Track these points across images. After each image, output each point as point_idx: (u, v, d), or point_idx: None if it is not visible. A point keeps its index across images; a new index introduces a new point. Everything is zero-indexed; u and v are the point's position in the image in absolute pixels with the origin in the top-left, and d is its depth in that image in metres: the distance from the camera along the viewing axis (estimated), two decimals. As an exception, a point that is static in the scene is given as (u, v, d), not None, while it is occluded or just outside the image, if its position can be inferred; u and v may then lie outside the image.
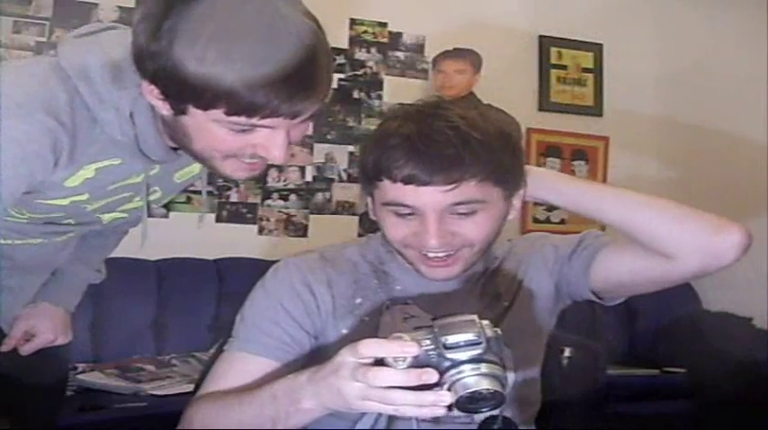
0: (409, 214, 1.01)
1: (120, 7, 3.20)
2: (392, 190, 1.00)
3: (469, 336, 0.80)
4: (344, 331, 1.08)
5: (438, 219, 0.99)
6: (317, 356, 1.08)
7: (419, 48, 3.72)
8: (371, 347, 0.81)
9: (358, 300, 1.10)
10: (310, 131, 3.51)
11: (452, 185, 0.97)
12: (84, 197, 1.12)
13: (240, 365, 1.05)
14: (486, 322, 0.82)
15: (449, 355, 0.79)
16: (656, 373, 3.07)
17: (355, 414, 1.00)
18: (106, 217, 1.22)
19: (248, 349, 1.05)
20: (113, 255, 3.18)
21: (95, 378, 2.56)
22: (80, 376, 2.57)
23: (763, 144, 3.44)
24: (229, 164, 0.98)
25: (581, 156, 4.02)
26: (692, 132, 3.91)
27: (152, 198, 1.24)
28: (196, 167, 1.25)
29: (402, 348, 0.79)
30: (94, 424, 2.32)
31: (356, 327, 1.08)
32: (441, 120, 0.98)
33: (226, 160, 0.97)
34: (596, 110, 4.05)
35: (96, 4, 3.17)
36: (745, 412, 2.77)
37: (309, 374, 0.89)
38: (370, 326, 1.08)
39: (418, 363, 0.79)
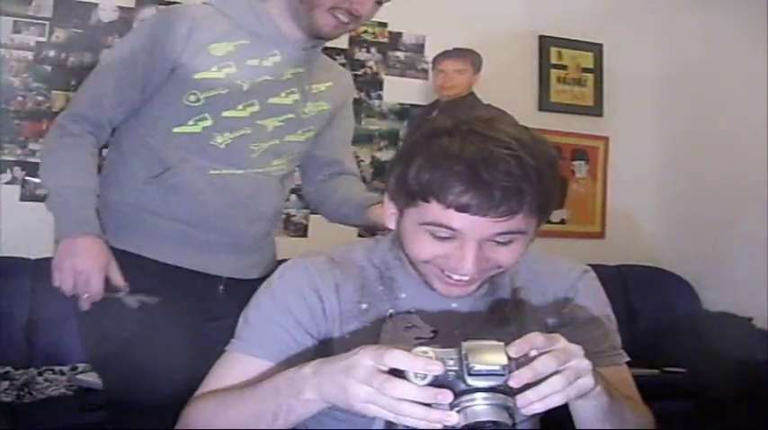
0: (447, 237, 0.98)
1: (120, 7, 3.21)
2: (439, 213, 0.95)
3: (495, 367, 0.78)
4: (348, 336, 1.07)
5: (478, 246, 0.97)
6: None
7: (419, 48, 3.72)
8: (397, 358, 0.79)
9: (364, 306, 1.08)
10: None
11: (505, 218, 0.94)
12: (233, 69, 1.44)
13: (242, 368, 1.04)
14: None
15: (469, 381, 0.78)
16: (656, 373, 3.08)
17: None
18: (269, 124, 1.49)
19: (251, 352, 1.04)
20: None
21: (95, 378, 2.55)
22: (80, 376, 2.57)
23: (763, 144, 3.44)
24: None
25: (581, 156, 4.02)
26: (691, 132, 3.91)
27: (294, 98, 1.52)
28: (323, 86, 1.58)
29: (427, 366, 0.78)
30: (94, 424, 2.31)
31: (359, 333, 1.07)
32: (499, 145, 0.94)
33: None
34: (596, 110, 4.05)
35: (96, 5, 3.17)
36: (745, 412, 2.77)
37: (315, 366, 0.88)
38: (371, 333, 1.07)
39: (436, 381, 0.78)
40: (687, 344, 3.34)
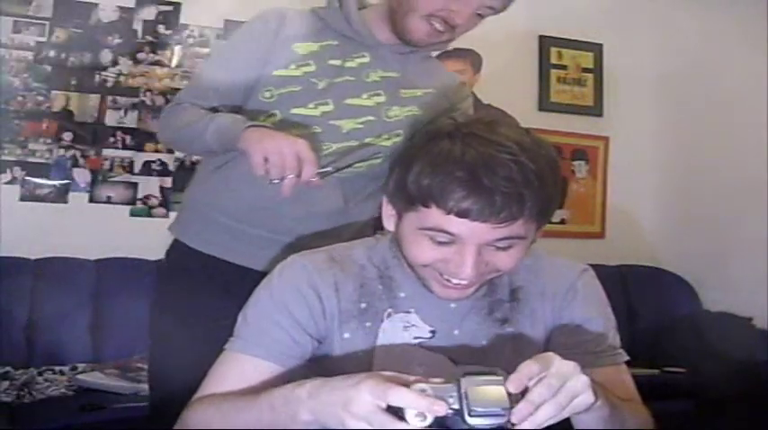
0: (447, 242, 0.98)
1: (120, 7, 3.21)
2: (438, 218, 0.95)
3: (496, 409, 0.78)
4: (347, 335, 1.07)
5: (477, 251, 0.97)
6: (320, 359, 1.07)
7: (419, 48, 3.72)
8: (399, 396, 0.78)
9: (363, 305, 1.08)
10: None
11: (506, 224, 0.94)
12: (312, 68, 1.43)
13: (241, 367, 1.04)
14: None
15: (470, 421, 0.77)
16: (656, 373, 3.07)
17: None
18: (344, 125, 1.44)
19: (250, 351, 1.04)
20: (113, 254, 3.18)
21: (95, 378, 2.56)
22: (80, 376, 2.57)
23: (763, 143, 3.44)
24: None
25: (581, 156, 4.02)
26: (691, 132, 3.91)
27: (377, 101, 1.46)
28: (420, 91, 1.50)
29: (430, 406, 0.77)
30: (94, 424, 2.32)
31: (358, 332, 1.07)
32: (500, 150, 0.93)
33: None
34: (596, 110, 4.04)
35: (96, 5, 3.17)
36: (745, 412, 2.76)
37: (311, 389, 0.87)
38: (371, 333, 1.07)
39: (435, 420, 0.77)
40: (687, 344, 3.33)
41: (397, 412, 0.78)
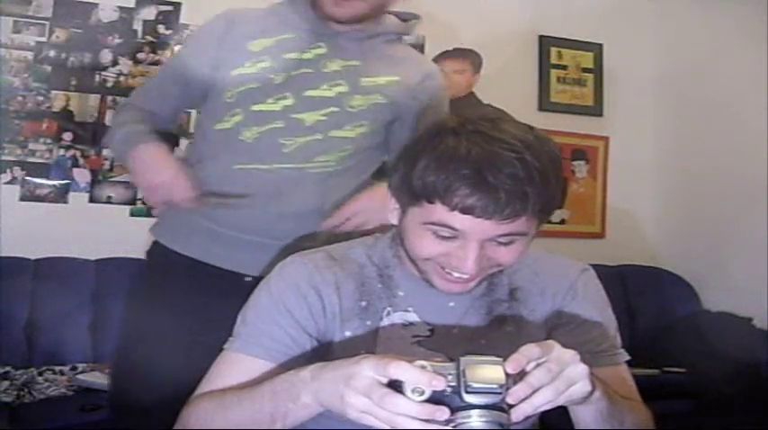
0: (450, 236, 0.98)
1: (120, 7, 3.21)
2: (443, 214, 0.96)
3: (493, 386, 0.78)
4: (348, 334, 1.07)
5: (479, 247, 0.98)
6: (319, 357, 1.07)
7: (419, 48, 3.72)
8: (400, 370, 0.79)
9: (363, 304, 1.08)
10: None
11: (509, 220, 0.95)
12: (267, 63, 1.44)
13: (239, 367, 1.04)
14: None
15: (466, 398, 0.78)
16: (656, 373, 3.07)
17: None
18: (307, 117, 1.44)
19: (248, 351, 1.04)
20: (113, 254, 3.17)
21: (95, 378, 2.56)
22: (80, 376, 2.58)
23: (763, 143, 3.44)
24: None
25: (581, 156, 4.02)
26: (691, 132, 3.91)
27: (338, 90, 1.46)
28: (383, 79, 1.49)
29: (430, 381, 0.78)
30: (94, 424, 2.32)
31: (358, 331, 1.07)
32: (504, 147, 0.94)
33: None
34: (596, 110, 4.05)
35: (96, 5, 3.17)
36: (745, 412, 2.77)
37: (314, 371, 0.88)
38: (371, 331, 1.07)
39: (432, 397, 0.78)
40: (687, 345, 3.33)
41: (396, 389, 0.79)
